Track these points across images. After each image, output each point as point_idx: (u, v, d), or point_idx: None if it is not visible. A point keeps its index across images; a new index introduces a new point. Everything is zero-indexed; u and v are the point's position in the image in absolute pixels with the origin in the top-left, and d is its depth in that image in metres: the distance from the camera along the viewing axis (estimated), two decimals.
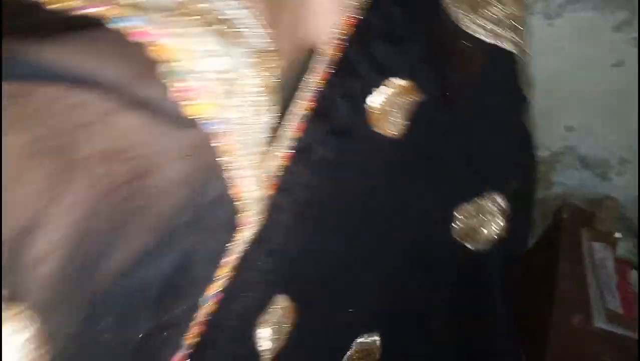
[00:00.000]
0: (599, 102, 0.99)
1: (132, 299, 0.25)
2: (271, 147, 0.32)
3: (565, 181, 1.11)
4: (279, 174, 0.34)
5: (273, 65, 0.30)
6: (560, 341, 0.84)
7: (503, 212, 0.43)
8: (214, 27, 0.25)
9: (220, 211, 0.27)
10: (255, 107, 0.28)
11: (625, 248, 0.95)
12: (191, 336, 0.30)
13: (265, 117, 0.29)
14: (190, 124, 0.24)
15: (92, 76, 0.22)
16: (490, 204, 0.42)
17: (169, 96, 0.24)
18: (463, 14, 0.39)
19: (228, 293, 0.32)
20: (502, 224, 0.43)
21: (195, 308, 0.30)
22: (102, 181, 0.22)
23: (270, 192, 0.34)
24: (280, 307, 0.37)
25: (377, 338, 0.44)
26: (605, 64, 0.96)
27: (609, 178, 1.07)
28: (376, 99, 0.36)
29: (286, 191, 0.35)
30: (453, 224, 0.42)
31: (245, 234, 0.30)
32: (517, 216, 0.43)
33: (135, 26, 0.23)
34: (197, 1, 0.26)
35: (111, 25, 0.23)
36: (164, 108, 0.24)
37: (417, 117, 0.37)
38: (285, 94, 0.36)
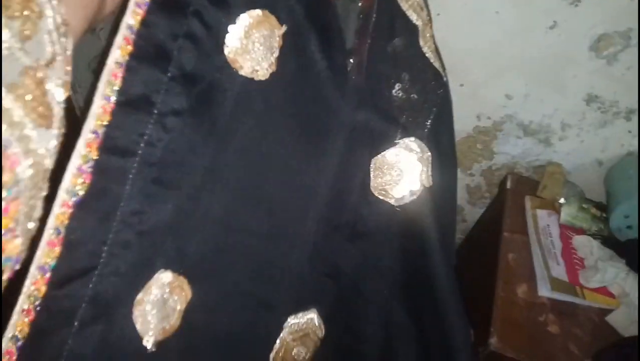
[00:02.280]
0: (536, 68, 0.97)
1: None
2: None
3: (508, 151, 1.09)
4: (99, 130, 0.29)
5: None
6: (506, 313, 0.82)
7: (421, 157, 0.39)
8: None
9: None
10: None
11: (569, 213, 0.93)
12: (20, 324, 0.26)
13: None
14: None
15: None
16: (405, 152, 0.38)
17: None
18: None
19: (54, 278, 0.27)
20: (421, 170, 0.39)
21: None
22: None
23: (94, 154, 0.28)
24: (164, 283, 0.33)
25: (313, 315, 0.40)
26: (540, 27, 0.93)
27: (552, 144, 1.05)
28: (231, 39, 0.32)
29: (123, 151, 0.29)
30: (369, 181, 0.38)
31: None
32: (438, 158, 0.39)
33: None
34: None
35: None
36: None
37: (285, 51, 0.33)
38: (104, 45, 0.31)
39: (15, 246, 0.23)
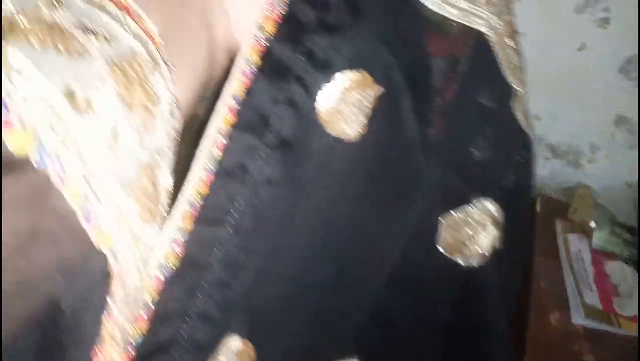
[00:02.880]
0: (565, 89, 0.96)
1: None
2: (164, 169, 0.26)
3: (537, 172, 1.08)
4: (195, 201, 0.28)
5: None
6: (540, 340, 0.81)
7: (495, 220, 0.37)
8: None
9: (92, 264, 0.22)
10: (112, 132, 0.22)
11: (600, 237, 0.92)
12: None
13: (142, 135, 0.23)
14: (23, 165, 0.18)
15: None
16: (478, 212, 0.37)
17: None
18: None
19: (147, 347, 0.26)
20: (494, 233, 0.37)
21: None
22: None
23: (189, 226, 0.28)
24: (233, 351, 0.32)
25: None
26: (568, 48, 0.92)
27: (581, 165, 1.03)
28: (325, 99, 0.31)
29: (216, 221, 0.29)
30: (438, 238, 0.37)
31: (128, 282, 0.24)
32: (512, 223, 0.38)
33: None
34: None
35: None
36: None
37: (378, 114, 0.32)
38: (205, 109, 0.31)
39: None
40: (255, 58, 0.30)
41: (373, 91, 0.32)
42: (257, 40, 0.31)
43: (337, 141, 0.32)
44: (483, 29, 0.34)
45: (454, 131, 0.35)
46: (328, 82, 0.30)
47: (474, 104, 0.35)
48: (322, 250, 0.34)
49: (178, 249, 0.28)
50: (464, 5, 0.33)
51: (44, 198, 0.20)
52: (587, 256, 0.92)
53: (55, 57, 0.20)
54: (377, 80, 0.32)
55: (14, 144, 0.18)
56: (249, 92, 0.30)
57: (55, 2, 0.22)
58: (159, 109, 0.24)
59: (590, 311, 0.84)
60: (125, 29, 0.24)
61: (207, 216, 0.29)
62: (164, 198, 0.25)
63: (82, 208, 0.21)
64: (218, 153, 0.29)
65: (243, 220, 0.30)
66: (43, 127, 0.19)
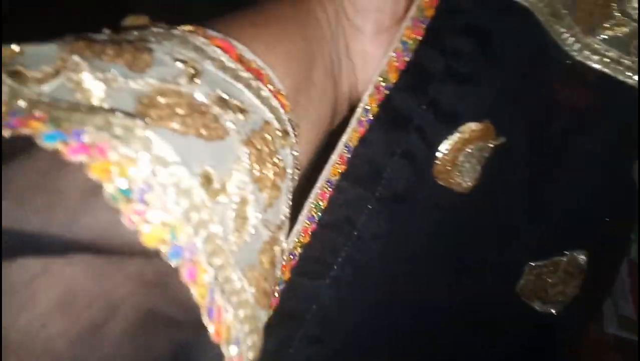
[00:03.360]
0: None
1: None
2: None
3: None
4: (296, 251, 0.28)
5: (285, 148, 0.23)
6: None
7: (582, 270, 0.37)
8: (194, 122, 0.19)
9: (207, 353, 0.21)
10: (239, 217, 0.21)
11: (638, 249, 0.91)
12: None
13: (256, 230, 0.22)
14: (149, 254, 0.17)
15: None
16: (568, 263, 0.36)
17: (117, 225, 0.17)
18: (571, 34, 0.30)
19: None
20: (579, 283, 0.37)
21: None
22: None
23: (287, 275, 0.28)
24: None
25: None
26: None
27: None
28: (444, 151, 0.30)
29: (316, 273, 0.28)
30: (520, 281, 0.36)
31: None
32: (599, 272, 0.38)
33: (70, 142, 0.17)
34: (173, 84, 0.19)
35: (42, 144, 0.17)
36: (111, 242, 0.18)
37: (493, 164, 0.31)
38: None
39: None
40: (374, 107, 0.29)
41: (494, 141, 0.31)
42: (377, 88, 0.29)
43: (448, 192, 0.31)
44: (631, 82, 0.32)
45: (564, 183, 0.34)
46: (451, 134, 0.29)
47: (594, 161, 0.34)
48: (420, 303, 0.34)
49: (272, 300, 0.27)
50: (614, 54, 0.31)
51: (166, 286, 0.19)
52: (623, 267, 0.91)
53: (195, 143, 0.19)
54: (499, 130, 0.30)
55: (147, 238, 0.18)
56: (363, 141, 0.29)
57: (194, 75, 0.21)
58: (285, 184, 0.23)
59: (625, 322, 0.84)
60: (258, 98, 0.23)
61: (307, 267, 0.28)
62: (279, 270, 0.24)
63: (206, 303, 0.20)
64: (324, 203, 0.28)
65: (344, 274, 0.29)
66: (179, 220, 0.18)
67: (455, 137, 0.29)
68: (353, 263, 0.29)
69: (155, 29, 0.23)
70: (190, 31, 0.23)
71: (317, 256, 0.28)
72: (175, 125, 0.18)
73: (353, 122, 0.29)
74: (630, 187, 0.37)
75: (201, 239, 0.18)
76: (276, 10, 0.28)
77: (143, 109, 0.18)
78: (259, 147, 0.21)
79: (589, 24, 0.30)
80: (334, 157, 0.29)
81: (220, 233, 0.19)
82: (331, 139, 0.30)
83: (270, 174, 0.21)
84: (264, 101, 0.23)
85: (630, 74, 0.31)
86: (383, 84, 0.29)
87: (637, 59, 0.31)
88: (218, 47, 0.23)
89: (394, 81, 0.29)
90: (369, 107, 0.29)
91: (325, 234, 0.28)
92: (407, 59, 0.29)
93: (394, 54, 0.29)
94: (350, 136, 0.29)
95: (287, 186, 0.24)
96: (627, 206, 0.37)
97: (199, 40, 0.23)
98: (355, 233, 0.28)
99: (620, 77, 0.31)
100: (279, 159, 0.22)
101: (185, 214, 0.18)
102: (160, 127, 0.18)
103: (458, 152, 0.29)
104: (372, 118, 0.29)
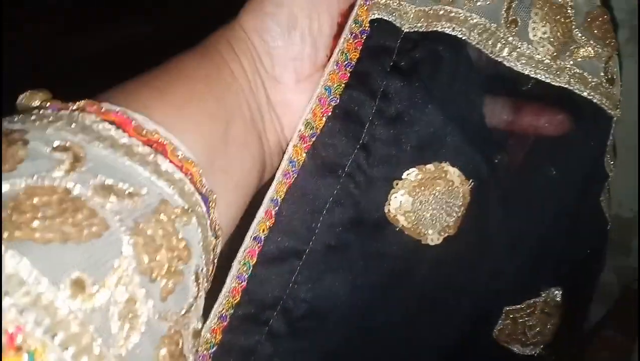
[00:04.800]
0: None
1: None
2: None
3: None
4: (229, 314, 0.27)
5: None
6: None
7: (559, 307, 0.35)
8: None
9: None
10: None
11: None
12: None
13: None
14: None
15: None
16: (545, 303, 0.34)
17: None
18: (535, 56, 0.27)
19: None
20: (556, 322, 0.35)
21: None
22: None
23: (218, 337, 0.27)
24: None
25: None
26: None
27: None
28: (394, 200, 0.28)
29: (247, 333, 0.27)
30: (497, 325, 0.34)
31: None
32: (575, 308, 0.35)
33: None
34: None
35: None
36: None
37: (467, 214, 0.29)
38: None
39: None
40: (300, 156, 0.27)
41: (461, 184, 0.28)
42: (301, 138, 0.27)
43: (414, 243, 0.28)
44: (585, 94, 0.29)
45: (532, 221, 0.32)
46: (399, 179, 0.27)
47: (562, 193, 0.32)
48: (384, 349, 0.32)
49: None
50: (568, 63, 0.28)
51: None
52: None
53: (60, 249, 0.17)
54: (466, 171, 0.28)
55: None
56: (292, 194, 0.27)
57: (74, 163, 0.19)
58: (190, 264, 0.21)
59: None
60: (155, 173, 0.21)
61: (240, 326, 0.27)
62: (191, 353, 0.22)
63: None
64: (253, 261, 0.27)
65: (278, 328, 0.28)
66: (39, 342, 0.16)
67: (405, 180, 0.27)
68: (288, 314, 0.27)
69: (42, 111, 0.21)
70: (81, 109, 0.22)
71: (249, 313, 0.27)
72: (37, 234, 0.17)
73: (278, 175, 0.27)
74: (598, 228, 0.34)
75: (70, 354, 0.16)
76: (183, 69, 0.26)
77: (7, 217, 0.17)
78: (149, 233, 0.19)
79: (558, 43, 0.28)
80: (260, 213, 0.27)
81: (99, 341, 0.17)
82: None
83: (166, 262, 0.20)
84: (163, 176, 0.21)
85: (595, 96, 0.29)
86: (309, 131, 0.27)
87: (603, 80, 0.30)
88: (112, 122, 0.21)
89: (321, 126, 0.27)
90: (295, 159, 0.27)
91: (256, 292, 0.26)
92: (333, 103, 0.27)
93: (317, 101, 0.27)
94: (276, 189, 0.27)
95: (197, 264, 0.22)
96: (597, 236, 0.35)
97: (90, 119, 0.21)
98: (290, 285, 0.27)
99: (590, 98, 0.29)
100: (178, 239, 0.20)
101: (48, 333, 0.16)
102: (17, 241, 0.16)
103: (412, 197, 0.27)
104: (297, 169, 0.27)
